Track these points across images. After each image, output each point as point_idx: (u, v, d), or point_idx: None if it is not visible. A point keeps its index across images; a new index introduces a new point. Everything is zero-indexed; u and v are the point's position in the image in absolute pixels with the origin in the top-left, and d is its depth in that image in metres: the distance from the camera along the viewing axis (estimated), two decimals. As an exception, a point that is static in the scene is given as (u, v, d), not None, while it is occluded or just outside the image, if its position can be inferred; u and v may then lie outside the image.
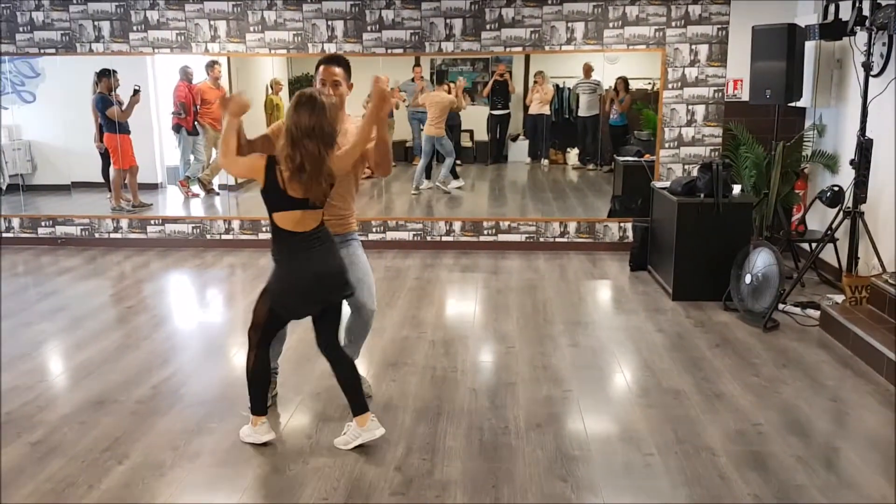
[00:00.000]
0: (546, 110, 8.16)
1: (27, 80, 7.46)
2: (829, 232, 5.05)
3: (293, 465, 3.05)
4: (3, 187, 7.70)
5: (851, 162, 4.80)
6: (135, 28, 6.80)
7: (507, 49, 6.62)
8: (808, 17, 5.90)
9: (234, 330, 4.69)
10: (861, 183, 4.73)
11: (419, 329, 4.71)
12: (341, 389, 3.18)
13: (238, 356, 4.17)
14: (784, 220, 5.68)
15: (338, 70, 3.29)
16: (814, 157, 5.95)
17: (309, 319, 3.17)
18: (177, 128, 7.76)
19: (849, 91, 5.55)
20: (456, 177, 8.04)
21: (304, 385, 3.82)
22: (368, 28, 6.63)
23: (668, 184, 5.65)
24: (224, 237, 7.13)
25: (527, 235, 6.90)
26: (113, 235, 7.25)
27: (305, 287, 3.05)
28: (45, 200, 7.74)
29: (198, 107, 7.67)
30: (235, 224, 7.14)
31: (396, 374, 3.99)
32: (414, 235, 6.99)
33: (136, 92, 7.22)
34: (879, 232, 4.88)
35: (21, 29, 6.89)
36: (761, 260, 4.75)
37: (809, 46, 5.58)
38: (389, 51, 6.66)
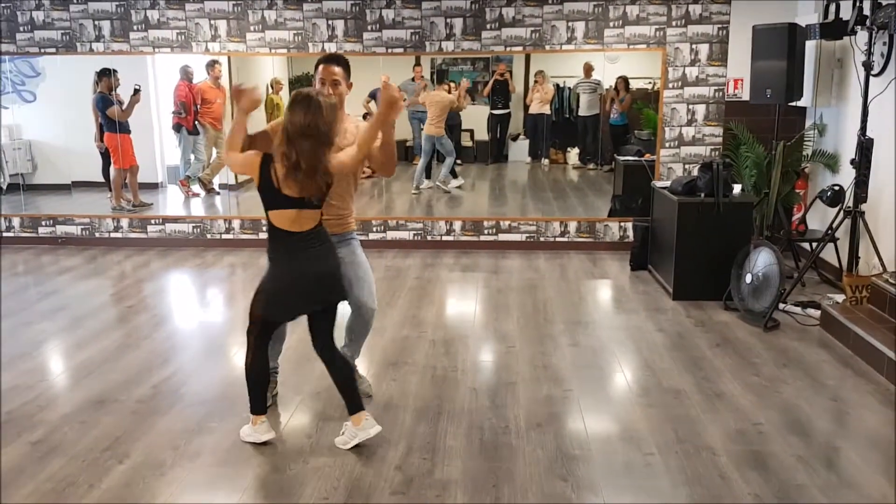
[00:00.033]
0: (546, 110, 8.16)
1: (27, 79, 7.47)
2: (829, 231, 5.05)
3: (293, 465, 3.05)
4: (4, 187, 7.70)
5: (852, 161, 4.80)
6: (135, 27, 6.80)
7: (508, 48, 6.62)
8: (808, 16, 5.90)
9: (235, 329, 4.69)
10: (861, 182, 4.73)
11: (419, 328, 4.71)
12: (337, 389, 3.19)
13: (238, 356, 4.17)
14: (784, 219, 5.68)
15: (337, 69, 3.29)
16: (814, 156, 5.95)
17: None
18: (177, 127, 7.76)
19: (849, 90, 5.54)
20: (455, 176, 8.04)
21: (304, 385, 3.82)
22: (369, 27, 6.63)
23: (668, 183, 5.65)
24: (224, 237, 7.14)
25: (527, 235, 6.90)
26: (113, 235, 7.25)
27: (299, 288, 3.04)
28: (45, 200, 7.74)
29: (198, 106, 7.67)
30: (236, 223, 7.14)
31: (397, 373, 3.99)
32: (414, 235, 6.99)
33: (136, 91, 7.22)
34: (880, 231, 4.88)
35: (21, 28, 6.89)
36: (762, 259, 4.75)
37: (810, 46, 5.57)
38: (390, 50, 6.66)
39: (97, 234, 7.26)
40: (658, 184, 5.92)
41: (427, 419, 3.44)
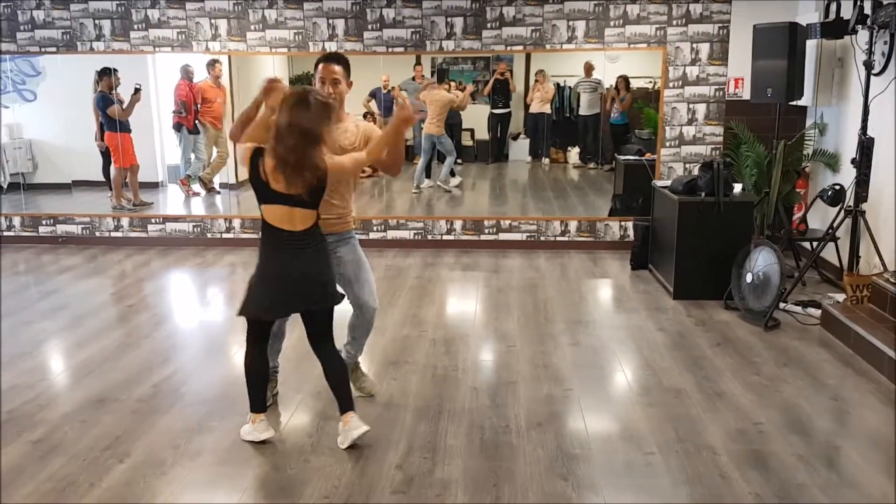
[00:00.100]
0: (547, 109, 8.16)
1: (28, 78, 7.47)
2: (830, 231, 5.04)
3: (294, 464, 3.05)
4: (4, 186, 7.70)
5: (853, 161, 4.80)
6: (136, 27, 6.80)
7: (508, 48, 6.62)
8: (809, 15, 5.90)
9: (235, 328, 4.68)
10: (862, 182, 4.72)
11: (420, 328, 4.71)
12: (330, 388, 3.18)
13: (238, 355, 4.16)
14: (785, 218, 5.68)
15: (337, 68, 3.29)
16: (815, 155, 5.95)
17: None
18: (177, 126, 7.76)
19: (850, 90, 5.54)
20: (453, 175, 8.04)
21: (304, 384, 3.82)
22: (369, 27, 6.62)
23: (668, 182, 5.65)
24: (225, 236, 7.14)
25: (528, 234, 6.90)
26: (114, 234, 7.25)
27: (283, 286, 3.02)
28: (45, 199, 7.74)
29: (198, 105, 7.67)
30: (236, 223, 7.14)
31: (397, 372, 3.99)
32: (415, 234, 6.99)
33: (136, 90, 7.22)
34: (880, 231, 4.87)
35: (22, 27, 6.89)
36: (762, 259, 4.75)
37: (811, 45, 5.57)
38: (390, 49, 6.66)
39: (97, 234, 7.26)
40: (658, 183, 5.92)
41: (427, 418, 3.44)
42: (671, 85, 6.52)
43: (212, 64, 7.33)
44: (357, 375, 3.70)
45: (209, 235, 7.15)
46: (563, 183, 8.40)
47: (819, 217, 5.95)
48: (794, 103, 5.72)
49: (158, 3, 6.74)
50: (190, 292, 5.95)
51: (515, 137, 8.46)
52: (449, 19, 6.57)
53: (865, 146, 4.70)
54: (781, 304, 4.83)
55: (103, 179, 7.63)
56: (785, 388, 3.76)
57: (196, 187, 7.97)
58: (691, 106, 6.55)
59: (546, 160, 8.46)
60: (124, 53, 6.90)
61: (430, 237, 6.97)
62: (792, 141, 5.90)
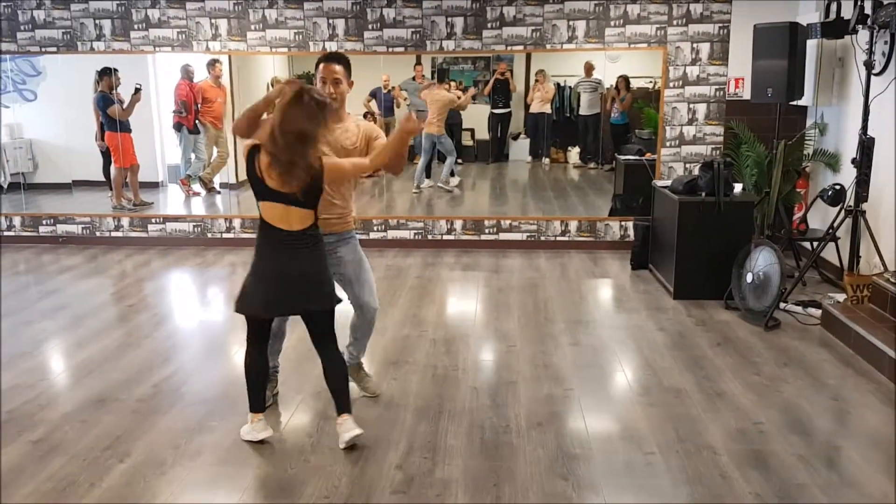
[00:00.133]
0: (547, 109, 8.16)
1: (28, 78, 7.47)
2: (830, 231, 5.04)
3: (294, 464, 3.05)
4: (5, 186, 7.70)
5: (853, 160, 4.80)
6: (136, 26, 6.80)
7: (509, 47, 6.62)
8: (809, 15, 5.90)
9: (235, 328, 4.68)
10: (863, 181, 4.72)
11: (420, 327, 4.71)
12: (327, 387, 3.17)
13: (239, 354, 4.16)
14: (785, 218, 5.68)
15: (338, 68, 3.29)
16: (815, 155, 5.95)
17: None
18: (178, 126, 7.76)
19: (850, 89, 5.54)
20: (452, 174, 8.04)
21: (304, 384, 3.82)
22: (369, 26, 6.62)
23: (669, 182, 5.65)
24: (225, 236, 7.14)
25: (528, 234, 6.90)
26: (114, 234, 7.25)
27: (276, 285, 3.02)
28: (46, 199, 7.74)
29: (199, 105, 7.66)
30: (236, 222, 7.14)
31: (398, 372, 3.99)
32: (415, 234, 6.99)
33: (137, 90, 7.22)
34: (881, 230, 4.87)
35: (22, 27, 6.89)
36: (762, 259, 4.75)
37: (811, 45, 5.57)
38: (390, 49, 6.66)
39: (98, 233, 7.26)
40: (659, 183, 5.92)
41: (428, 418, 3.44)
42: (671, 85, 6.52)
43: (212, 64, 7.33)
44: (360, 376, 3.70)
45: (209, 235, 7.15)
46: (564, 183, 8.40)
47: (819, 217, 5.95)
48: (794, 103, 5.72)
49: (159, 2, 6.74)
50: (190, 292, 5.95)
51: (516, 137, 8.46)
52: (449, 19, 6.57)
53: (866, 146, 4.69)
54: (782, 304, 4.83)
55: (104, 179, 7.63)
56: (785, 388, 3.76)
57: (196, 187, 7.97)
58: (692, 106, 6.55)
59: (546, 160, 8.46)
60: (124, 53, 6.90)
61: (430, 237, 6.97)
62: (792, 141, 5.90)
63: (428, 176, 7.93)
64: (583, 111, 7.96)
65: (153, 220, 7.24)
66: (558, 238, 6.88)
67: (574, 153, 8.41)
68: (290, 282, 3.01)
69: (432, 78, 7.76)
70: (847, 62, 5.56)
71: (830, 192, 5.00)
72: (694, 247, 5.18)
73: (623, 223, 6.81)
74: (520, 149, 8.47)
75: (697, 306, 5.10)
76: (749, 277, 4.77)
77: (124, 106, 7.25)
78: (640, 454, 3.10)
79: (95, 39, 6.86)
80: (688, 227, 5.18)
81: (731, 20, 6.33)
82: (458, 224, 6.97)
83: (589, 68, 7.51)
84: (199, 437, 3.28)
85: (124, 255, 6.80)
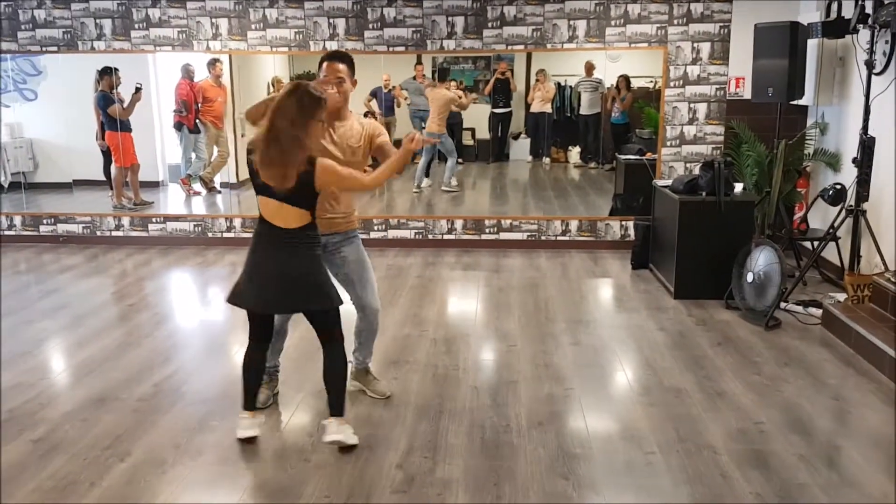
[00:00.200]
0: (548, 108, 8.15)
1: (29, 77, 7.47)
2: (831, 230, 5.04)
3: (295, 463, 3.05)
4: (5, 185, 7.71)
5: (854, 160, 4.80)
6: (136, 26, 6.80)
7: (509, 47, 6.62)
8: (810, 14, 5.89)
9: (236, 328, 4.68)
10: (863, 181, 4.72)
11: (421, 327, 4.71)
12: (324, 382, 3.15)
13: (239, 354, 4.15)
14: (786, 218, 5.67)
15: (342, 67, 3.29)
16: (816, 155, 5.94)
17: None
18: (178, 126, 7.76)
19: (851, 89, 5.54)
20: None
21: (305, 383, 3.82)
22: (370, 26, 6.62)
23: (669, 182, 5.65)
24: (225, 235, 7.14)
25: (528, 234, 6.90)
26: (114, 233, 7.26)
27: (260, 281, 3.01)
28: (46, 198, 7.74)
29: (199, 105, 7.66)
30: (237, 222, 7.14)
31: (398, 371, 3.99)
32: (415, 234, 6.99)
33: (137, 90, 7.22)
34: (882, 230, 4.87)
35: (23, 27, 6.89)
36: (763, 258, 4.75)
37: (812, 44, 5.57)
38: (391, 49, 6.65)
39: (98, 233, 7.27)
40: (659, 182, 5.92)
41: (428, 418, 3.44)
42: (672, 84, 6.51)
43: (212, 63, 7.32)
44: (368, 379, 3.69)
45: (210, 235, 7.16)
46: (564, 182, 8.40)
47: (820, 216, 5.95)
48: (795, 103, 5.72)
49: (159, 2, 6.74)
50: (191, 291, 5.95)
51: (516, 137, 8.46)
52: (450, 18, 6.57)
53: (866, 146, 4.69)
54: (782, 304, 4.83)
55: (104, 179, 7.62)
56: (786, 388, 3.76)
57: (197, 186, 7.97)
58: (692, 105, 6.55)
59: (547, 160, 8.46)
60: (125, 53, 6.90)
61: (430, 237, 6.97)
62: (793, 140, 5.89)
63: (427, 175, 7.93)
64: (583, 111, 7.95)
65: (154, 220, 7.24)
66: (559, 238, 6.88)
67: (574, 153, 8.41)
68: (271, 279, 2.98)
69: (433, 77, 7.76)
70: (848, 62, 5.56)
71: (831, 192, 5.00)
72: (694, 246, 5.18)
73: (623, 223, 6.81)
74: (520, 148, 8.47)
75: (698, 306, 5.09)
76: (750, 277, 4.77)
77: (125, 105, 7.25)
78: (641, 454, 3.10)
79: (96, 39, 6.86)
80: (688, 227, 5.18)
81: (732, 20, 6.33)
82: (458, 224, 6.97)
83: (589, 68, 7.51)
84: (200, 436, 3.28)
85: (125, 255, 6.81)
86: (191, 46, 6.82)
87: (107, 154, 7.50)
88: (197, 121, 7.73)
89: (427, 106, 7.66)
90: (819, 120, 6.06)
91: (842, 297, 4.84)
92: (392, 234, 7.00)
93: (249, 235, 3.12)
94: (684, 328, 4.68)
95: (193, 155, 7.93)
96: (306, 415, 3.50)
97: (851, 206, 4.82)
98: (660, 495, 2.81)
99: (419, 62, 7.70)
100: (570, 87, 8.05)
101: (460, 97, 7.71)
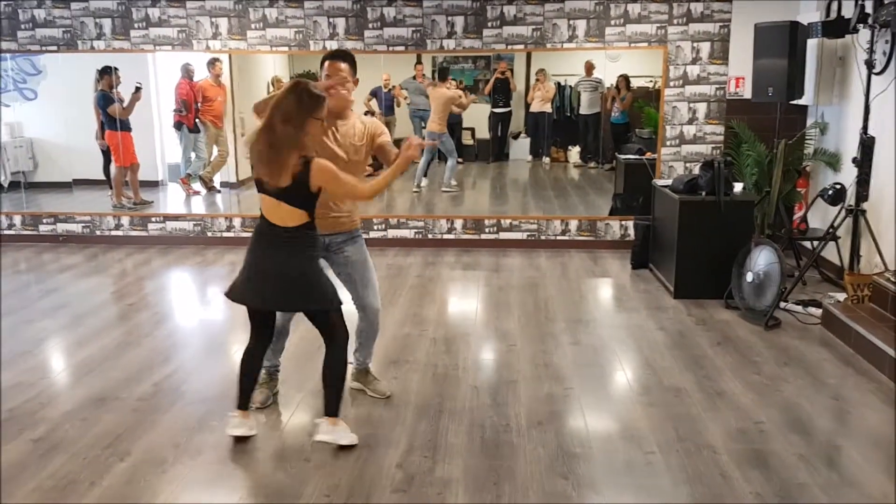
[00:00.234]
0: (547, 108, 8.16)
1: (29, 77, 7.47)
2: (830, 230, 5.04)
3: (295, 463, 3.05)
4: (5, 185, 7.70)
5: (854, 160, 4.80)
6: (136, 25, 6.80)
7: (509, 47, 6.61)
8: (810, 14, 5.89)
9: (236, 327, 4.68)
10: (863, 181, 4.72)
11: (421, 326, 4.71)
12: (322, 380, 3.14)
13: (239, 353, 4.16)
14: (786, 218, 5.67)
15: (343, 66, 3.29)
16: (816, 154, 5.94)
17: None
18: (178, 125, 7.76)
19: (851, 89, 5.54)
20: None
21: (305, 382, 3.82)
22: (370, 25, 6.62)
23: (669, 182, 5.65)
24: (225, 234, 7.14)
25: (528, 233, 6.90)
26: (114, 233, 7.25)
27: (255, 277, 3.00)
28: (46, 198, 7.74)
29: (199, 104, 7.66)
30: (237, 221, 7.14)
31: (398, 371, 3.99)
32: (415, 233, 6.98)
33: (137, 89, 7.22)
34: (881, 230, 4.87)
35: (23, 26, 6.89)
36: (763, 258, 4.75)
37: (812, 44, 5.56)
38: (391, 48, 6.65)
39: (98, 232, 7.26)
40: (659, 182, 5.92)
41: (428, 417, 3.44)
42: (672, 84, 6.51)
43: (212, 62, 7.33)
44: (369, 379, 3.70)
45: (209, 234, 7.15)
46: (564, 182, 8.40)
47: (820, 216, 5.95)
48: (794, 102, 5.72)
49: (159, 1, 6.73)
50: (190, 291, 5.95)
51: (516, 136, 8.46)
52: (450, 18, 6.56)
53: (866, 145, 4.70)
54: (782, 304, 4.83)
55: (104, 178, 7.63)
56: (785, 388, 3.76)
57: (197, 186, 7.97)
58: (692, 105, 6.55)
59: (547, 159, 8.46)
60: (125, 52, 6.90)
61: (430, 236, 6.97)
62: (793, 140, 5.89)
63: (426, 175, 7.92)
64: (583, 110, 7.96)
65: (153, 219, 7.24)
66: (558, 237, 6.88)
67: (574, 152, 8.41)
68: (280, 280, 2.98)
69: (433, 77, 7.76)
70: (848, 61, 5.56)
71: (831, 192, 5.00)
72: (694, 246, 5.18)
73: (623, 222, 6.81)
74: (520, 148, 8.47)
75: (698, 305, 5.10)
76: (749, 277, 4.77)
77: (124, 105, 7.25)
78: (641, 453, 3.10)
79: (96, 38, 6.86)
80: (688, 227, 5.18)
81: (732, 19, 6.33)
82: (458, 223, 6.97)
83: (589, 67, 7.52)
84: (200, 435, 3.28)
85: (124, 254, 6.80)
86: (190, 46, 6.82)
87: (106, 153, 7.50)
88: (197, 120, 7.73)
89: (427, 105, 7.65)
90: (819, 120, 6.06)
91: (841, 296, 4.84)
92: (392, 233, 7.00)
93: (249, 235, 3.12)
94: (684, 328, 4.68)
95: (193, 154, 7.94)
96: (306, 415, 3.50)
97: (851, 205, 4.82)
98: (659, 495, 2.81)
99: (419, 62, 7.70)
100: (570, 86, 8.06)
101: (461, 96, 7.71)
